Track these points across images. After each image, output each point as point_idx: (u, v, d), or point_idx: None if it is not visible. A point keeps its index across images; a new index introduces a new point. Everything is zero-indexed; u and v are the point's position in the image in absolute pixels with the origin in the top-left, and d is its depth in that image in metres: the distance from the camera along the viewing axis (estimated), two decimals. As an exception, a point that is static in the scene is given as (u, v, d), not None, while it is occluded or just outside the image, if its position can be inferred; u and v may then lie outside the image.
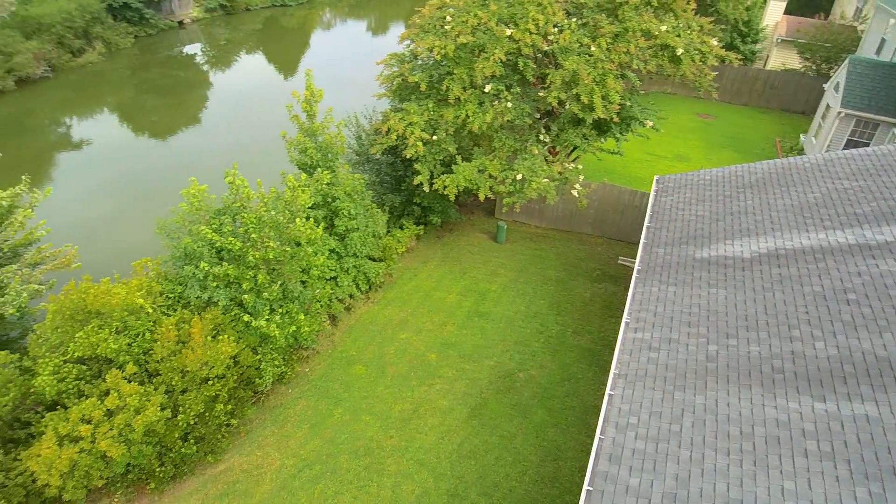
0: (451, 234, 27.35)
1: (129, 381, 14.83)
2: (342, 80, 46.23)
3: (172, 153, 41.15)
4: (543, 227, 27.77)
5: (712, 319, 13.99)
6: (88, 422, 13.90)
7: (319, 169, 20.55)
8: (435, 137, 22.39)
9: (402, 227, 25.98)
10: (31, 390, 15.38)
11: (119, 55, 55.85)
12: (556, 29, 21.53)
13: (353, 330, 21.45)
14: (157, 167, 38.12)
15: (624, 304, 16.65)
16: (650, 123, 24.20)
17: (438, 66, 22.89)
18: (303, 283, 19.25)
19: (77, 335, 15.22)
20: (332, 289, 21.12)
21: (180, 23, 63.15)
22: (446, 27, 21.76)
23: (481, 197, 22.35)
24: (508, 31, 20.78)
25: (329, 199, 21.03)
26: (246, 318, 16.59)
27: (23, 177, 21.38)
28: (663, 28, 21.38)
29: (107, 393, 14.69)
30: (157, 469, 15.22)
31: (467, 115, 21.83)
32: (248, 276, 16.87)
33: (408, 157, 22.24)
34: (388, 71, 24.41)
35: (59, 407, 15.09)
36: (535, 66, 21.81)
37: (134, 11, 56.39)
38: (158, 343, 15.60)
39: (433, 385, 18.77)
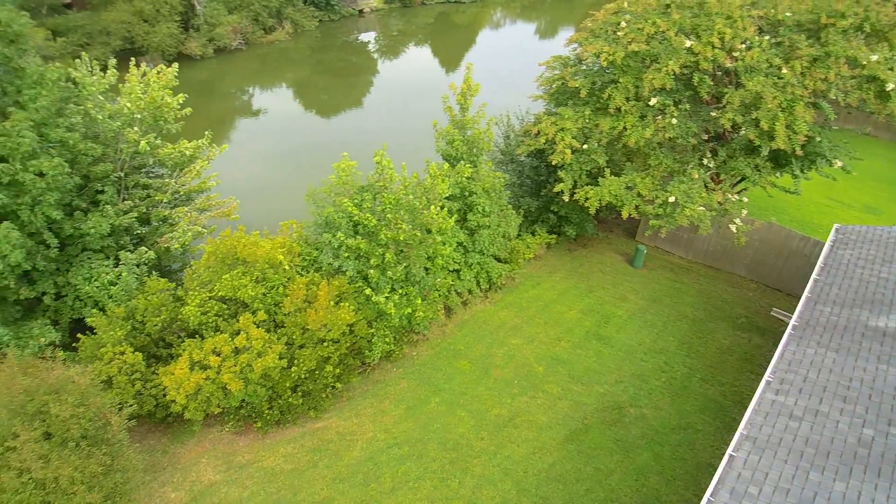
0: (583, 248, 26.49)
1: (258, 327, 16.45)
2: (500, 79, 46.95)
3: (332, 130, 44.96)
4: (689, 259, 25.76)
5: (875, 399, 12.00)
6: (218, 354, 15.67)
7: (462, 162, 21.05)
8: (585, 146, 21.82)
9: (533, 234, 25.73)
10: (179, 317, 17.73)
11: (303, 36, 62.23)
12: (743, 45, 19.79)
13: (466, 325, 21.70)
14: (316, 142, 41.93)
15: (768, 361, 14.86)
16: (839, 164, 21.22)
17: (603, 73, 22.23)
18: (426, 269, 19.89)
19: (224, 277, 17.24)
20: (452, 281, 21.56)
21: (360, 11, 68.62)
22: (619, 33, 21.06)
23: (624, 215, 21.34)
24: (688, 43, 19.55)
25: (466, 193, 21.46)
26: (368, 291, 17.56)
27: (206, 132, 24.69)
28: (874, 58, 18.64)
29: (237, 333, 16.45)
30: (266, 411, 16.74)
31: (625, 128, 20.97)
32: (377, 253, 17.83)
33: (553, 162, 21.93)
34: (549, 73, 24.27)
35: (197, 336, 17.24)
36: (711, 84, 20.26)
37: (321, -3, 62.42)
38: (288, 298, 17.11)
39: (535, 398, 18.35)
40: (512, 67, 52.15)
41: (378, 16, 70.81)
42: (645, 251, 24.70)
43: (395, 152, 20.89)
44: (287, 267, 17.60)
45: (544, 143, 22.33)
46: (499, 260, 23.55)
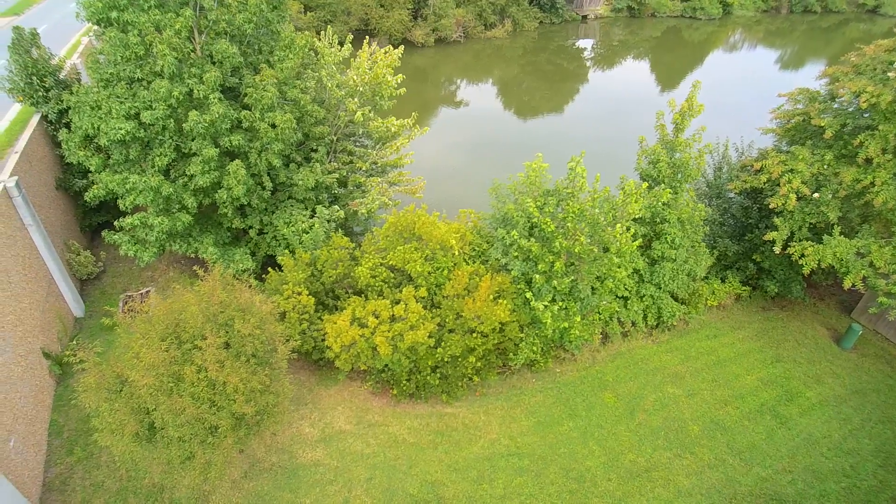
0: (781, 311, 23.48)
1: (417, 302, 17.55)
2: (723, 107, 43.46)
3: (526, 132, 45.76)
4: (919, 357, 21.40)
5: None
6: (376, 317, 17.08)
7: (663, 185, 19.97)
8: (816, 195, 19.23)
9: (723, 280, 23.51)
10: (352, 274, 19.65)
11: (520, 36, 64.12)
12: None
13: (620, 357, 20.71)
14: (508, 141, 43.06)
15: None
16: None
17: (859, 115, 19.32)
18: (592, 289, 19.37)
19: (398, 248, 18.69)
20: (618, 308, 20.70)
21: (584, 17, 68.50)
22: (890, 74, 18.17)
23: (846, 285, 18.46)
24: None
25: (657, 220, 20.36)
26: (529, 295, 17.68)
27: (413, 113, 26.82)
28: None
29: (398, 302, 17.75)
30: (404, 381, 17.85)
31: (872, 183, 18.12)
32: (547, 259, 17.83)
33: (771, 206, 19.72)
34: (789, 106, 21.88)
35: (362, 296, 18.96)
36: None
37: (548, -1, 63.59)
38: (451, 283, 17.97)
39: (681, 457, 16.87)
40: (740, 97, 47.95)
41: (601, 23, 70.01)
42: (860, 332, 21.05)
43: (589, 163, 20.57)
44: (456, 252, 18.45)
45: (764, 183, 20.25)
46: (675, 299, 21.98)
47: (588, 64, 61.66)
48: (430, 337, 17.01)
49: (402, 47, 26.01)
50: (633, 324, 21.49)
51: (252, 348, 13.86)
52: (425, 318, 17.24)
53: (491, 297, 17.43)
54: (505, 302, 17.39)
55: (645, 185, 18.84)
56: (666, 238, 19.99)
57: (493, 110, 49.80)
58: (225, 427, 12.82)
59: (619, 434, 17.63)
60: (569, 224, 17.42)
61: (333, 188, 24.65)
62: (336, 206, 23.10)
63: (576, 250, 17.17)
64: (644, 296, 20.95)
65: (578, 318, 17.90)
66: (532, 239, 18.08)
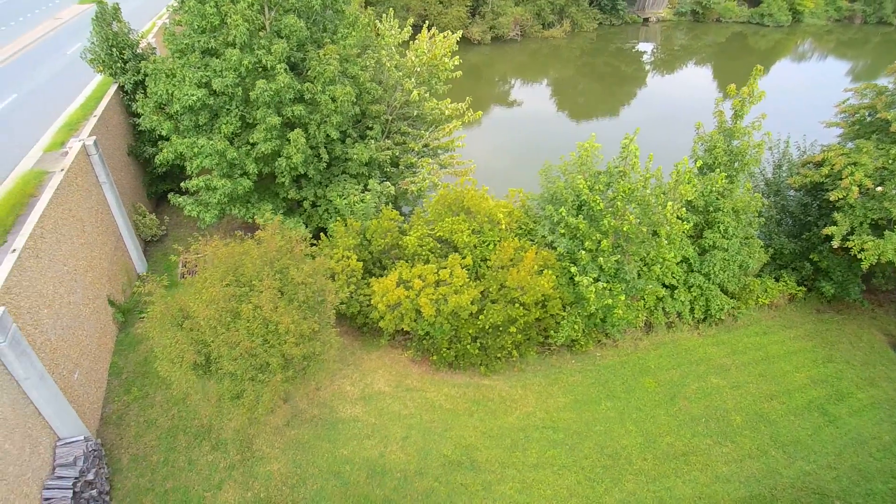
0: (837, 314, 22.81)
1: (462, 269, 18.02)
2: (788, 114, 42.30)
3: (578, 135, 45.62)
4: None
5: None
6: (422, 280, 17.64)
7: (719, 170, 19.82)
8: (880, 189, 18.76)
9: (777, 279, 23.02)
10: (399, 244, 20.33)
11: (578, 36, 64.04)
12: None
13: (663, 346, 20.62)
14: (559, 144, 42.94)
15: None
16: None
17: (928, 109, 18.81)
18: (639, 273, 19.40)
19: (446, 219, 19.26)
20: (663, 296, 20.63)
21: (645, 20, 67.83)
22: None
23: (907, 283, 17.95)
24: None
25: (710, 208, 20.22)
26: (573, 269, 17.86)
27: (467, 98, 27.42)
28: None
29: (443, 268, 18.27)
30: (445, 349, 18.35)
31: (940, 178, 17.58)
32: (594, 237, 18.04)
33: (832, 199, 19.31)
34: (855, 100, 21.40)
35: (409, 263, 19.60)
36: None
37: (609, 0, 63.29)
38: (496, 254, 18.37)
39: (721, 445, 16.72)
40: (806, 106, 46.49)
41: (663, 27, 69.13)
42: (923, 340, 20.32)
43: (644, 151, 20.48)
44: (504, 227, 18.87)
45: (825, 177, 19.88)
46: (725, 292, 21.69)
47: (647, 68, 60.98)
48: (472, 304, 17.44)
49: (459, 32, 26.69)
50: (679, 315, 21.35)
51: (304, 296, 14.67)
52: (469, 285, 17.68)
53: (535, 269, 17.73)
54: (549, 272, 17.67)
55: (699, 162, 18.77)
56: (718, 227, 19.84)
57: (545, 112, 49.88)
58: (275, 365, 13.63)
59: (657, 418, 17.61)
60: (618, 203, 17.59)
61: (386, 166, 25.50)
62: (388, 183, 23.94)
63: (624, 229, 17.31)
64: (692, 286, 20.80)
65: (623, 297, 17.99)
66: (580, 216, 18.32)
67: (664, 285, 20.85)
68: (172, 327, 13.93)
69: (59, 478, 14.15)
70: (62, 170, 19.42)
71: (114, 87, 26.50)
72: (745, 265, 20.70)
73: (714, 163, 20.16)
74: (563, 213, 18.17)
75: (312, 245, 21.02)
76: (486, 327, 17.81)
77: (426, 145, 26.99)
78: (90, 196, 21.24)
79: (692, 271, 20.65)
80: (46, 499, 13.65)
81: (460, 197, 19.69)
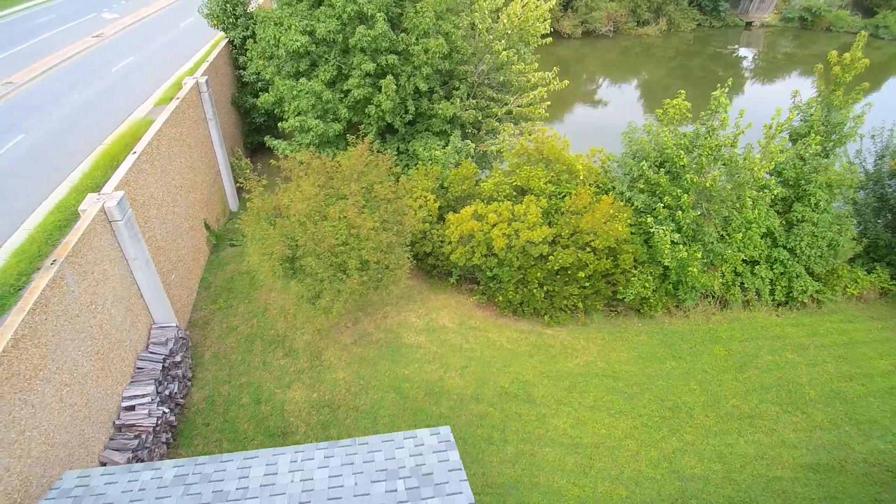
0: (935, 315, 21.34)
1: (537, 208, 18.35)
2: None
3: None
4: None
5: None
6: (497, 214, 18.13)
7: (813, 133, 19.12)
8: None
9: (869, 272, 21.80)
10: (476, 191, 20.93)
11: (674, 36, 62.53)
12: None
13: (737, 322, 20.04)
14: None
15: None
16: None
17: None
18: (720, 236, 19.00)
19: (524, 168, 19.72)
20: (742, 271, 20.07)
21: (748, 24, 65.29)
22: None
23: None
24: None
25: (802, 181, 19.52)
26: (649, 220, 17.76)
27: (554, 67, 27.71)
28: None
29: (518, 203, 18.73)
30: (511, 291, 18.76)
31: None
32: (674, 193, 17.93)
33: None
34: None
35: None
36: None
37: (710, 0, 61.49)
38: (571, 200, 18.59)
39: (790, 414, 16.15)
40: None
41: (767, 32, 66.27)
42: None
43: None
44: (582, 177, 19.09)
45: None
46: (810, 274, 20.78)
47: (746, 75, 58.65)
48: (542, 242, 17.65)
49: (553, 0, 27.12)
50: (758, 294, 20.65)
51: (384, 212, 15.63)
52: (542, 224, 17.93)
53: (611, 214, 17.76)
54: (625, 216, 17.70)
55: (793, 114, 18.15)
56: (809, 199, 19.13)
57: (632, 114, 48.93)
58: (352, 268, 14.60)
59: (724, 382, 17.23)
60: (703, 159, 17.41)
61: (468, 127, 26.28)
62: (468, 141, 24.70)
63: (707, 184, 17.11)
64: (775, 262, 20.10)
65: (699, 255, 17.70)
66: (661, 171, 18.25)
67: (744, 260, 20.29)
68: (266, 223, 15.25)
69: (152, 353, 15.76)
70: (177, 98, 21.57)
71: (224, 41, 29.00)
72: (834, 243, 19.77)
73: (809, 132, 19.47)
74: (644, 167, 18.17)
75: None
76: (555, 270, 18.05)
77: (509, 112, 27.54)
78: (198, 128, 23.35)
79: (776, 246, 19.98)
80: (139, 367, 15.25)
81: (540, 147, 20.07)
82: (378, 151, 19.03)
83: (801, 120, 20.03)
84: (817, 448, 15.15)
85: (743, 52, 62.63)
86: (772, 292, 20.66)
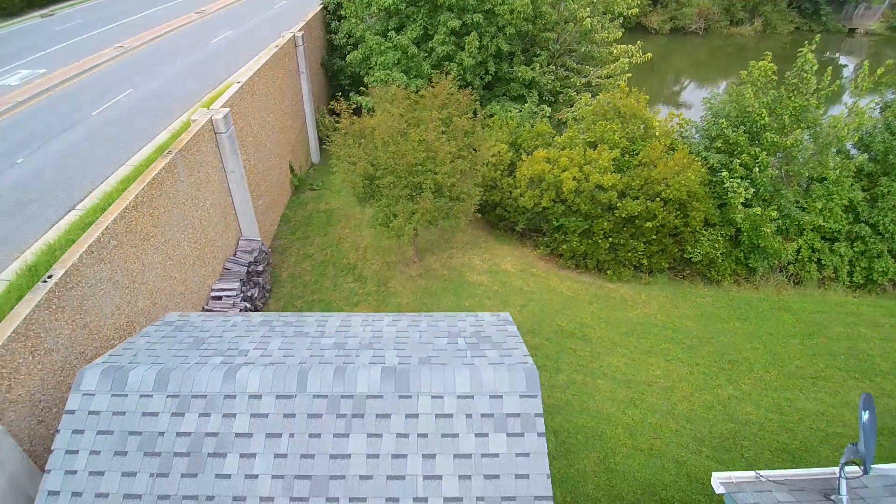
0: None
1: (610, 154, 18.67)
2: None
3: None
4: None
5: None
6: (570, 159, 18.61)
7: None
8: None
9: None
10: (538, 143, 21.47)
11: (770, 38, 60.24)
12: None
13: (810, 296, 19.52)
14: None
15: None
16: None
17: None
18: (798, 205, 18.68)
19: (598, 123, 20.11)
20: (819, 246, 19.57)
21: (851, 30, 62.03)
22: None
23: None
24: None
25: (891, 155, 18.86)
26: (725, 174, 17.70)
27: (638, 42, 27.84)
28: None
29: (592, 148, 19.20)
30: (575, 241, 19.19)
31: None
32: (751, 152, 17.85)
33: None
34: None
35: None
36: None
37: (812, 3, 58.99)
38: (644, 151, 18.79)
39: (857, 380, 15.71)
40: None
41: (872, 41, 62.74)
42: None
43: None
44: (658, 133, 19.29)
45: None
46: (893, 256, 19.98)
47: (845, 85, 55.79)
48: (612, 189, 17.93)
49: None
50: (836, 271, 20.05)
51: (461, 142, 16.57)
52: (609, 168, 18.20)
53: (685, 163, 17.82)
54: (698, 166, 17.78)
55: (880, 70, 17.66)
56: (898, 174, 18.51)
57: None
58: (427, 188, 15.59)
59: (790, 345, 16.96)
60: (785, 118, 17.25)
61: (545, 93, 26.88)
62: (545, 106, 25.32)
63: (787, 144, 16.95)
64: (855, 239, 19.49)
65: (774, 214, 17.46)
66: (741, 129, 18.18)
67: (823, 237, 19.82)
68: (352, 142, 16.61)
69: (239, 258, 17.35)
70: (276, 46, 23.44)
71: (319, 7, 31.04)
72: (929, 224, 18.97)
73: (898, 106, 18.86)
74: (723, 125, 18.17)
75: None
76: (622, 221, 18.32)
77: (588, 84, 27.90)
78: (291, 78, 25.21)
79: (858, 221, 19.38)
80: (227, 267, 16.85)
81: (616, 104, 20.39)
82: (460, 87, 20.01)
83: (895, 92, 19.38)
84: (882, 413, 14.68)
85: (843, 60, 59.62)
86: (850, 273, 20.02)
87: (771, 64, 18.97)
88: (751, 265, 19.43)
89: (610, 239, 18.93)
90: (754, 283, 20.05)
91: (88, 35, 26.46)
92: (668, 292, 19.21)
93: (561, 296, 18.49)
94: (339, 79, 31.81)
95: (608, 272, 19.45)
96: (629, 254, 18.96)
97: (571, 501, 12.05)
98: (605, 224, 18.57)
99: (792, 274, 20.18)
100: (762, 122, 17.52)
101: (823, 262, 19.86)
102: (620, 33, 27.13)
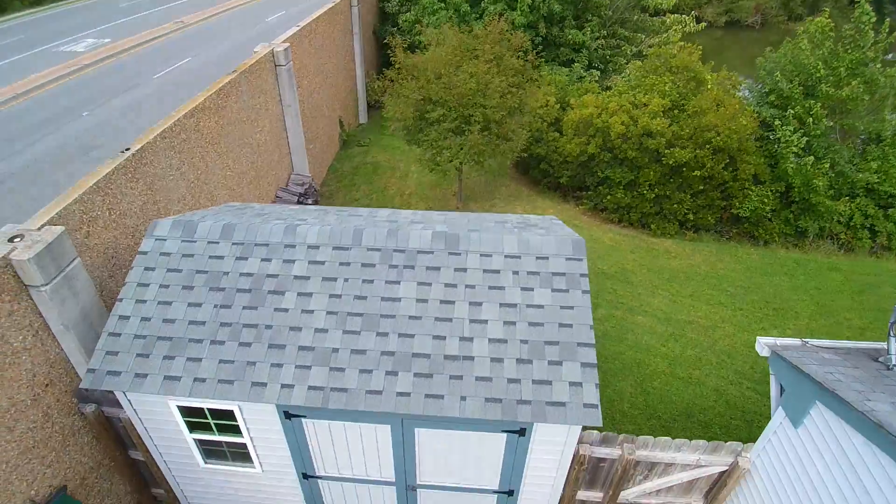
0: None
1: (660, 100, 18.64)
2: None
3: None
4: None
5: None
6: (619, 105, 18.67)
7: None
8: None
9: None
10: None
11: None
12: None
13: (861, 261, 19.05)
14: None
15: None
16: None
17: None
18: (853, 165, 18.26)
19: (648, 77, 20.08)
20: (873, 212, 19.04)
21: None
22: None
23: None
24: None
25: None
26: (776, 123, 17.48)
27: (692, 12, 27.59)
28: None
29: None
30: (620, 193, 19.20)
31: None
32: (804, 104, 17.57)
33: None
34: None
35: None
36: None
37: (874, 1, 57.01)
38: (696, 99, 18.62)
39: None
40: None
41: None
42: None
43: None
44: (709, 87, 19.14)
45: None
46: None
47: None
48: (660, 135, 17.87)
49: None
50: (889, 238, 19.50)
51: (511, 80, 16.90)
52: (658, 114, 18.15)
53: (738, 108, 17.62)
54: (750, 110, 17.58)
55: None
56: (963, 134, 17.90)
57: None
58: (476, 121, 15.94)
59: (838, 300, 16.60)
60: (841, 70, 16.93)
61: (595, 60, 26.91)
62: (594, 70, 25.39)
63: (844, 95, 16.64)
64: (915, 202, 18.93)
65: (826, 166, 17.16)
66: (795, 81, 17.92)
67: (878, 205, 19.30)
68: (405, 74, 17.15)
69: (290, 189, 18.05)
70: (333, 2, 24.23)
71: (373, -27, 31.81)
72: None
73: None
74: (778, 77, 17.94)
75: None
76: (668, 170, 18.25)
77: (639, 52, 27.80)
78: (345, 35, 25.96)
79: (918, 185, 18.80)
80: (278, 196, 17.57)
81: (668, 58, 20.30)
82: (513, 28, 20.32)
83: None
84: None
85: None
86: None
87: (828, 20, 18.61)
88: (801, 226, 19.06)
89: (655, 190, 18.88)
90: (803, 248, 19.66)
91: (151, 11, 27.79)
92: (713, 248, 19.02)
93: (603, 245, 18.53)
94: (399, 22, 32.35)
95: (652, 226, 19.39)
96: (675, 206, 18.86)
97: (606, 416, 12.16)
98: (652, 174, 18.54)
99: (843, 242, 19.72)
100: (818, 74, 17.23)
101: (877, 228, 19.34)
102: (674, 1, 26.94)
